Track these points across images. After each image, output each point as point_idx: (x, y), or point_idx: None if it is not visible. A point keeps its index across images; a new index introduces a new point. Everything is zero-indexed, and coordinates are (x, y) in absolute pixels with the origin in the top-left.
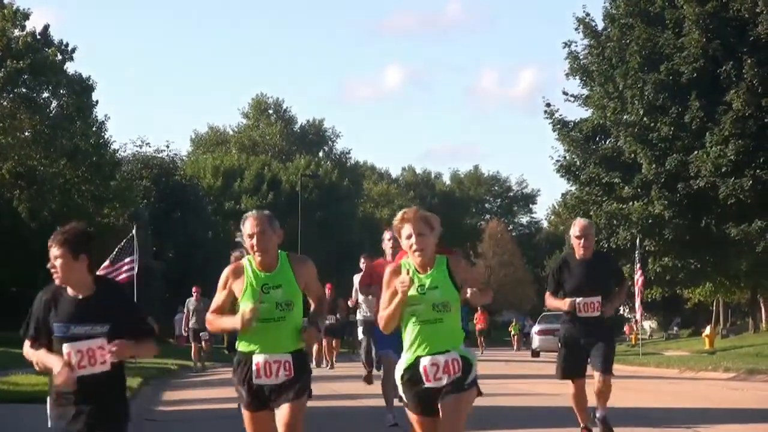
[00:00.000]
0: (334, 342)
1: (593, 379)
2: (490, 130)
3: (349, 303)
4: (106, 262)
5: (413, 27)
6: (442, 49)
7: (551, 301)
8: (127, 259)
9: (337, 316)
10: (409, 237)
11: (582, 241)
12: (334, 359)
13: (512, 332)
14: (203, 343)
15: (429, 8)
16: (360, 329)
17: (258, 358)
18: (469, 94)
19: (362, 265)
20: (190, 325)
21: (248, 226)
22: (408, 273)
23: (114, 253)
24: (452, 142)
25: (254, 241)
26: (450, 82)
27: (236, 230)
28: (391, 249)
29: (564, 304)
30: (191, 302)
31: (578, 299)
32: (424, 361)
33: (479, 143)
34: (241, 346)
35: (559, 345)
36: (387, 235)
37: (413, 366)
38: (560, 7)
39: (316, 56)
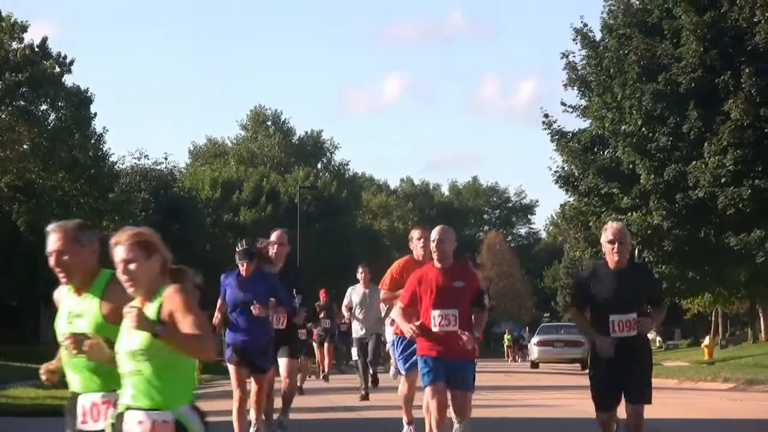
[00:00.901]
0: (326, 345)
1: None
2: (490, 141)
3: (343, 309)
4: None
5: (414, 37)
6: (443, 60)
7: (581, 322)
8: None
9: (337, 321)
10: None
11: (616, 246)
12: (327, 368)
13: (505, 343)
14: None
15: (431, 18)
16: (354, 349)
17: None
18: (470, 104)
19: (360, 275)
20: None
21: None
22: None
23: None
24: (452, 152)
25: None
26: (451, 92)
27: (234, 243)
28: (422, 249)
29: (600, 339)
30: None
31: (613, 317)
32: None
33: (479, 154)
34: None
35: (590, 373)
36: (416, 234)
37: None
38: (562, 17)
39: (316, 68)
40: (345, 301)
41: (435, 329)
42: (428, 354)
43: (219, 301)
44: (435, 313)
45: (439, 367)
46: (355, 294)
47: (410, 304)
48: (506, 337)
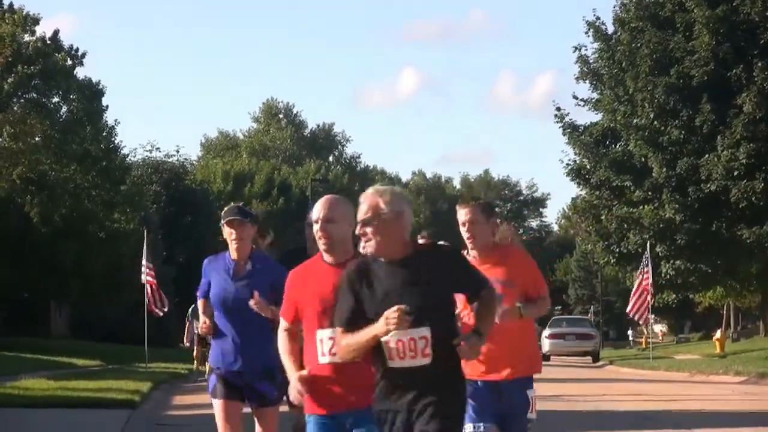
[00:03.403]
0: None
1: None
2: (503, 136)
3: None
4: (146, 264)
5: (432, 34)
6: (458, 55)
7: None
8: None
9: None
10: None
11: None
12: None
13: None
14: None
15: (450, 16)
16: None
17: None
18: (484, 100)
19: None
20: (197, 331)
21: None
22: None
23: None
24: (465, 147)
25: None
26: (465, 88)
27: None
28: None
29: None
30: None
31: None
32: None
33: (492, 148)
34: None
35: None
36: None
37: None
38: (577, 13)
39: (331, 61)
40: None
41: None
42: None
43: (200, 302)
44: None
45: None
46: None
47: None
48: None
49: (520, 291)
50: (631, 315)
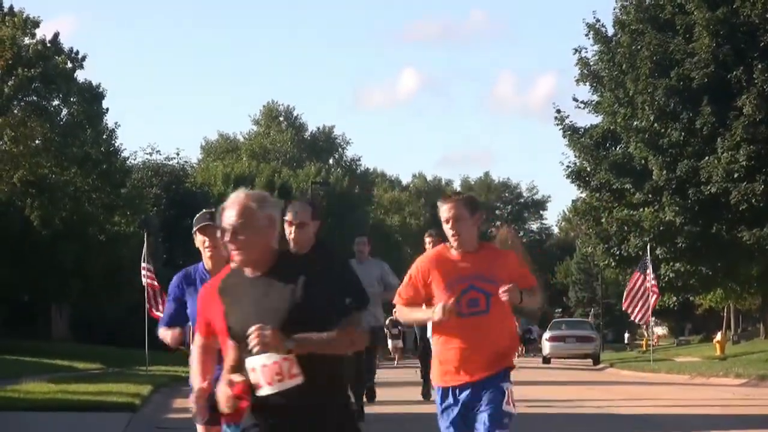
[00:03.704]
0: None
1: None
2: (504, 137)
3: None
4: (146, 266)
5: (431, 35)
6: (459, 57)
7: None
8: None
9: None
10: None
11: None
12: None
13: None
14: None
15: (450, 16)
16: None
17: None
18: (485, 101)
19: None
20: None
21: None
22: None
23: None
24: (465, 149)
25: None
26: (465, 89)
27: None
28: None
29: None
30: None
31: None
32: None
33: (492, 150)
34: None
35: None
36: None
37: None
38: (577, 15)
39: (331, 62)
40: None
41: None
42: None
43: (169, 334)
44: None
45: None
46: None
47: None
48: None
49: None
50: (629, 312)
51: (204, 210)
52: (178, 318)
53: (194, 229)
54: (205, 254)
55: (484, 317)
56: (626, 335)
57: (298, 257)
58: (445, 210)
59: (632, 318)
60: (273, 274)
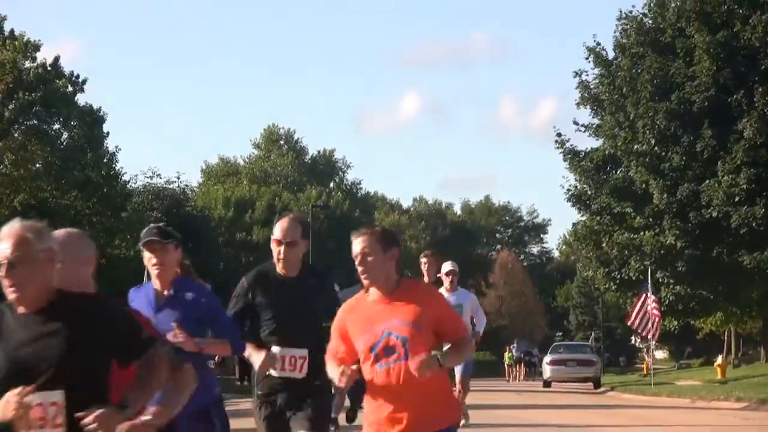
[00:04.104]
0: None
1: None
2: (505, 161)
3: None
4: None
5: (433, 59)
6: (460, 80)
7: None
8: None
9: None
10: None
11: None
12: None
13: (506, 362)
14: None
15: (452, 40)
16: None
17: None
18: (486, 125)
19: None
20: None
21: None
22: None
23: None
24: (466, 173)
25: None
26: (467, 113)
27: (248, 263)
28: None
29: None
30: None
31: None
32: None
33: (493, 174)
34: None
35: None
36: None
37: None
38: (578, 39)
39: (332, 85)
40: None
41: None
42: None
43: None
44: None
45: None
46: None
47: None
48: (506, 355)
49: (432, 334)
50: (637, 329)
51: (152, 224)
52: None
53: (140, 244)
54: (153, 272)
55: (404, 364)
56: (621, 359)
57: (75, 298)
58: (354, 245)
59: (642, 333)
60: (46, 314)
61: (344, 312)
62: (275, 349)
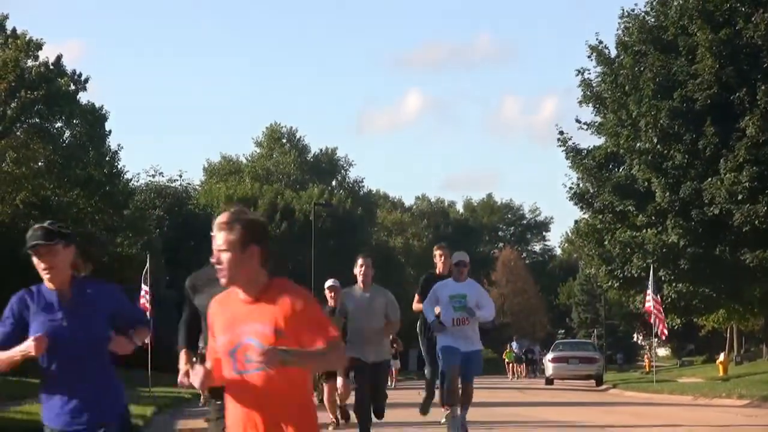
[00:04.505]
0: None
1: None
2: (507, 160)
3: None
4: (146, 288)
5: (437, 57)
6: (462, 79)
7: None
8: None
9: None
10: None
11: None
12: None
13: (506, 359)
14: None
15: (455, 39)
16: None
17: None
18: (489, 124)
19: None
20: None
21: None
22: None
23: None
24: (469, 171)
25: None
26: (470, 112)
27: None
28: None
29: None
30: None
31: None
32: None
33: (496, 172)
34: None
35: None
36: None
37: None
38: (581, 38)
39: (335, 84)
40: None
41: None
42: None
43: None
44: None
45: None
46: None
47: None
48: (506, 353)
49: (297, 340)
50: (656, 324)
51: (36, 225)
52: (11, 339)
53: (26, 247)
54: (44, 277)
55: (264, 373)
56: (618, 356)
57: None
58: (215, 239)
59: (657, 331)
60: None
61: (214, 304)
62: None
